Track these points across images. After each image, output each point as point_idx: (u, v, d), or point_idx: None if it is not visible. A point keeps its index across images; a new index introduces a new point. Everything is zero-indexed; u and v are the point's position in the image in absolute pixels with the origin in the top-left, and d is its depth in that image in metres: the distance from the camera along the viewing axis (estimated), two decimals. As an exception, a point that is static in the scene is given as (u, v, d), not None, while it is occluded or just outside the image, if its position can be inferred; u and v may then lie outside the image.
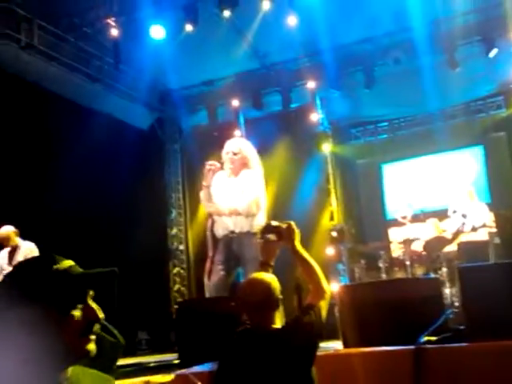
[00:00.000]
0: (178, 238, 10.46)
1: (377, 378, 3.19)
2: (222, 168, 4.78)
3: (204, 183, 4.72)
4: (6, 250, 5.98)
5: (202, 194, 4.76)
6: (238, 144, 4.88)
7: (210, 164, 4.69)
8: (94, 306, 1.29)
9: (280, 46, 8.54)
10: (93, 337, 1.28)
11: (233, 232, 4.61)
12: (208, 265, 4.68)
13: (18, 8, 7.07)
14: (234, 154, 4.72)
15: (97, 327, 1.29)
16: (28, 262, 1.32)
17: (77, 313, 1.24)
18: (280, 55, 9.09)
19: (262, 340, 2.59)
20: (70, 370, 1.28)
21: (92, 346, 1.27)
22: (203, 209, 10.09)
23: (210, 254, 4.69)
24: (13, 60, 7.23)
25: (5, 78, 6.96)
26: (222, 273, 4.57)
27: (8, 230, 5.95)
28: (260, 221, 4.45)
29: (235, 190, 4.66)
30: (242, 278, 4.56)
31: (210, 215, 4.89)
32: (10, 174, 6.76)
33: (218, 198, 4.71)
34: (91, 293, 1.29)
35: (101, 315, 1.30)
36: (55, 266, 1.25)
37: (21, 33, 7.17)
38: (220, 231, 4.69)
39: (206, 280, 4.65)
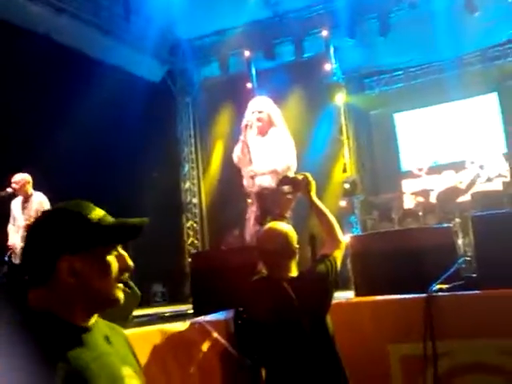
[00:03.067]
0: (191, 192, 10.51)
1: (389, 326, 3.24)
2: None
3: (241, 137, 4.74)
4: (20, 199, 6.03)
5: (238, 149, 4.79)
6: (262, 102, 4.87)
7: (248, 120, 4.71)
8: (124, 254, 1.34)
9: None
10: (120, 285, 1.33)
11: (266, 189, 4.70)
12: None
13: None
14: (260, 112, 4.71)
15: (126, 275, 1.34)
16: (61, 213, 1.33)
17: (111, 259, 1.31)
18: (292, 3, 8.87)
19: (278, 287, 2.64)
20: (95, 317, 1.34)
21: (121, 294, 1.33)
22: (215, 163, 10.19)
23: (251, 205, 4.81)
24: (22, 13, 7.12)
25: (14, 31, 6.88)
26: (257, 227, 4.63)
27: (22, 178, 5.98)
28: None
29: (268, 149, 4.71)
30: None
31: (240, 169, 4.95)
32: (21, 126, 6.78)
33: (253, 156, 4.74)
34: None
35: (130, 263, 1.35)
36: (89, 216, 1.30)
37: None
38: (252, 187, 4.78)
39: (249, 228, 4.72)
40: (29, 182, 5.99)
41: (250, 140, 4.71)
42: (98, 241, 1.29)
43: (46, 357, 1.16)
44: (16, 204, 6.04)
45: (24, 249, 1.31)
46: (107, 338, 1.33)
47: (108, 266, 1.30)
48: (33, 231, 1.32)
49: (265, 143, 4.69)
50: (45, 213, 1.35)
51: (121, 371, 1.29)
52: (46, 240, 1.28)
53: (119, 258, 1.33)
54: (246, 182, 4.79)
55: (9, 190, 5.90)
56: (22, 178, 5.96)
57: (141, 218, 1.35)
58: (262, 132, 4.71)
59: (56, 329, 1.24)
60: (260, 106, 4.75)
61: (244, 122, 4.67)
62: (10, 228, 6.00)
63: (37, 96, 6.97)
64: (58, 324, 1.25)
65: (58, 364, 1.16)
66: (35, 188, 6.07)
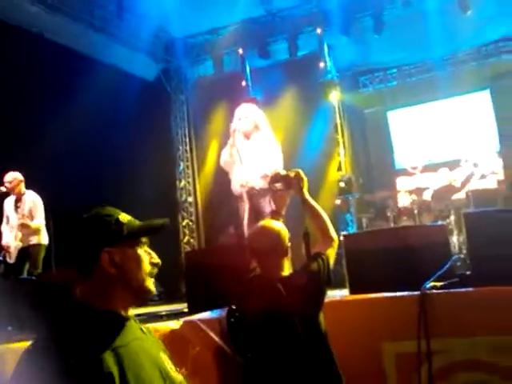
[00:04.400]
0: (186, 191, 10.50)
1: (383, 324, 3.24)
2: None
3: (230, 141, 4.89)
4: (12, 198, 6.00)
5: (226, 153, 4.94)
6: (247, 109, 5.07)
7: (235, 126, 4.89)
8: (151, 252, 1.55)
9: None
10: (152, 278, 1.52)
11: (256, 189, 4.81)
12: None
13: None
14: (246, 117, 4.93)
15: (155, 270, 1.54)
16: (95, 215, 1.51)
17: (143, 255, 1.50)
18: (286, 1, 8.85)
19: (271, 286, 2.63)
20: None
21: (153, 286, 1.52)
22: (211, 162, 10.18)
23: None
24: (17, 11, 7.09)
25: (9, 29, 6.86)
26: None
27: (15, 177, 5.94)
28: None
29: (254, 153, 4.86)
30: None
31: (227, 172, 5.07)
32: (15, 124, 6.75)
33: (242, 160, 4.87)
34: (147, 242, 1.55)
35: (158, 260, 1.55)
36: (119, 217, 1.50)
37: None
38: (238, 187, 4.90)
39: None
40: (22, 181, 5.96)
41: (238, 144, 4.87)
42: (129, 236, 1.48)
43: (95, 347, 1.30)
44: (9, 203, 6.01)
45: (67, 247, 1.51)
46: (142, 330, 1.50)
47: (141, 258, 1.50)
48: (73, 231, 1.51)
49: (251, 147, 4.88)
50: (80, 216, 1.52)
51: (159, 355, 1.46)
52: (87, 236, 1.47)
53: (148, 254, 1.53)
54: (233, 185, 4.92)
55: (2, 189, 5.87)
56: (14, 177, 5.93)
57: (163, 219, 1.58)
58: (247, 136, 4.90)
59: (101, 318, 1.39)
60: (245, 112, 4.93)
61: (232, 128, 4.83)
62: (4, 228, 5.98)
63: (31, 95, 6.94)
64: (102, 314, 1.40)
65: (105, 352, 1.29)
66: (29, 187, 6.04)
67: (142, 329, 1.51)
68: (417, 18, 8.15)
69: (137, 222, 1.54)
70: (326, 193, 8.86)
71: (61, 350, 1.29)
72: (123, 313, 1.46)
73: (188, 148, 10.60)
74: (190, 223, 10.39)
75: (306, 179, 2.93)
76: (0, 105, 6.57)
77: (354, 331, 3.25)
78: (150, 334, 1.57)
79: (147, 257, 1.52)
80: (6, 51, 6.53)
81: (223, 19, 9.09)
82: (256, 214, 4.73)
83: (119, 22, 8.26)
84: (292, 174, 2.94)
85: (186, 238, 10.27)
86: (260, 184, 4.75)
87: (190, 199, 10.49)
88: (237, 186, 4.91)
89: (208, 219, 10.28)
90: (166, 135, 10.41)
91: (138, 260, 1.49)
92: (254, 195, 4.81)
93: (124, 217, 1.52)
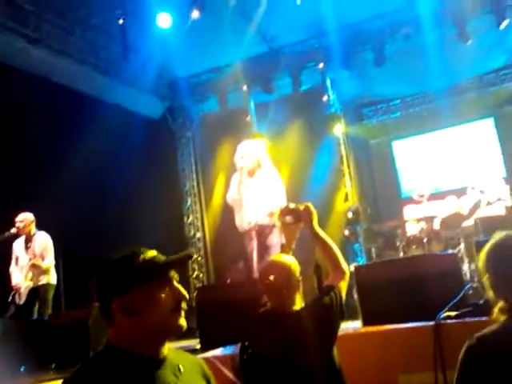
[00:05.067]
0: (194, 226, 10.51)
1: (398, 356, 3.20)
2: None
3: (237, 179, 4.99)
4: (22, 239, 6.06)
5: (234, 190, 5.00)
6: (249, 146, 5.10)
7: (239, 164, 4.96)
8: (179, 286, 1.50)
9: (287, 29, 8.47)
10: (183, 313, 1.49)
11: (260, 226, 4.84)
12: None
13: (25, 3, 7.09)
14: (248, 155, 4.98)
15: (184, 305, 1.49)
16: (119, 257, 1.50)
17: (164, 293, 1.45)
18: (288, 38, 9.01)
19: (283, 321, 2.61)
20: (167, 348, 1.49)
21: (183, 321, 1.49)
22: (218, 196, 10.21)
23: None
24: (22, 56, 7.27)
25: (14, 73, 7.01)
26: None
27: (26, 217, 6.00)
28: None
29: (258, 191, 4.93)
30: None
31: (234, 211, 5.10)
32: (22, 166, 6.85)
33: (246, 198, 4.90)
34: (175, 276, 1.51)
35: (186, 295, 1.50)
36: (141, 257, 1.48)
37: (29, 27, 7.20)
38: (245, 225, 4.92)
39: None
40: (32, 222, 6.03)
41: (240, 184, 4.91)
42: (146, 278, 1.44)
43: None
44: (18, 244, 6.06)
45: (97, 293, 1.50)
46: (178, 369, 1.47)
47: (160, 299, 1.44)
48: (97, 280, 1.50)
49: (255, 184, 4.90)
50: (106, 261, 1.52)
51: None
52: (102, 286, 1.48)
53: (173, 289, 1.48)
54: (240, 223, 4.92)
55: (13, 230, 5.92)
56: (25, 217, 6.00)
57: (184, 252, 1.55)
58: (251, 174, 4.93)
59: (125, 363, 1.39)
60: (248, 149, 4.97)
61: (239, 165, 4.87)
62: (13, 269, 6.00)
63: (38, 136, 7.05)
64: (127, 358, 1.40)
65: None
66: (38, 225, 6.10)
67: (178, 367, 1.48)
68: (417, 50, 8.26)
69: (162, 258, 1.51)
70: (334, 224, 8.85)
71: None
72: (155, 355, 1.45)
73: (195, 183, 10.66)
74: (199, 258, 10.36)
75: (315, 212, 2.94)
76: (7, 147, 6.69)
77: (368, 364, 3.20)
78: (191, 362, 1.56)
79: (169, 295, 1.47)
80: (12, 95, 6.66)
81: (226, 57, 9.25)
82: (265, 250, 4.74)
83: (123, 63, 8.42)
84: (301, 208, 2.96)
85: (196, 273, 10.23)
86: (266, 221, 4.77)
87: (199, 234, 10.49)
88: (244, 223, 4.93)
89: (217, 254, 10.25)
90: (172, 172, 10.49)
91: (157, 301, 1.45)
92: (261, 232, 4.83)
93: (142, 257, 1.49)
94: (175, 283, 1.50)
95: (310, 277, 3.07)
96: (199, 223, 10.55)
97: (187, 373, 1.50)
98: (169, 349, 1.50)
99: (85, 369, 1.40)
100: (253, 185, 4.93)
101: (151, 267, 1.46)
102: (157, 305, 1.44)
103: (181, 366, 1.49)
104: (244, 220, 4.93)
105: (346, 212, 9.00)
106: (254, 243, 4.87)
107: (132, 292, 1.43)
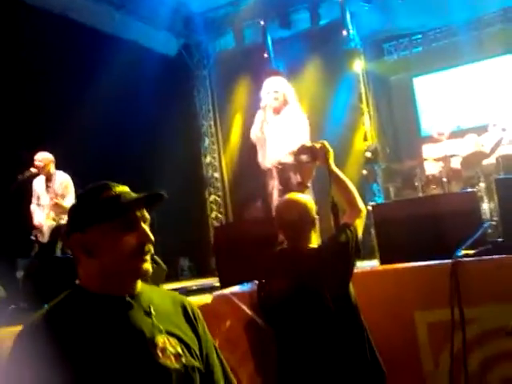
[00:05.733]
0: (212, 166, 10.53)
1: (415, 294, 3.22)
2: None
3: (261, 117, 4.86)
4: (42, 178, 6.07)
5: (257, 128, 4.92)
6: (276, 83, 5.00)
7: (265, 101, 4.83)
8: (145, 228, 1.39)
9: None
10: (147, 257, 1.39)
11: (284, 163, 4.83)
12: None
13: None
14: (275, 92, 4.86)
15: (149, 248, 1.39)
16: (85, 192, 1.44)
17: (126, 235, 1.36)
18: (306, -31, 8.66)
19: (299, 259, 2.63)
20: (140, 285, 1.42)
21: (148, 266, 1.38)
22: (235, 136, 10.16)
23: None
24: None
25: (31, 11, 6.89)
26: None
27: (45, 157, 6.00)
28: None
29: (283, 129, 4.83)
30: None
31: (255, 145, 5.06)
32: (39, 104, 6.81)
33: (269, 137, 4.85)
34: (144, 216, 1.39)
35: (151, 237, 1.39)
36: (106, 193, 1.37)
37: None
38: (267, 163, 4.90)
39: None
40: (52, 161, 6.03)
41: (268, 119, 4.84)
42: (106, 216, 1.35)
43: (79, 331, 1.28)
44: (39, 183, 6.08)
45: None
46: (149, 308, 1.39)
47: (119, 239, 1.35)
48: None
49: (280, 122, 4.83)
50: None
51: (155, 338, 1.35)
52: (68, 221, 1.42)
53: (139, 231, 1.37)
54: (262, 161, 4.90)
55: (32, 170, 5.94)
56: (45, 157, 5.99)
57: (155, 191, 1.41)
58: (277, 111, 4.85)
59: (90, 303, 1.34)
60: (275, 86, 4.88)
61: (263, 102, 4.77)
62: (34, 208, 6.07)
63: (54, 74, 6.97)
64: (92, 298, 1.35)
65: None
66: (57, 166, 6.12)
67: (149, 307, 1.40)
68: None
69: (132, 195, 1.40)
70: (352, 163, 8.78)
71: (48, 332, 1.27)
72: (121, 293, 1.37)
73: (212, 123, 10.59)
74: (218, 198, 10.44)
75: (331, 150, 2.90)
76: (25, 86, 6.65)
77: (384, 301, 3.23)
78: (171, 303, 1.48)
79: (132, 237, 1.36)
80: (30, 33, 6.58)
81: (243, -10, 8.97)
82: (285, 189, 4.74)
83: (139, -2, 8.26)
84: (317, 146, 2.92)
85: (214, 213, 10.33)
86: (289, 160, 4.74)
87: (217, 174, 10.52)
88: (267, 162, 4.90)
89: (235, 194, 10.30)
90: (189, 112, 10.41)
91: (113, 241, 1.34)
92: (283, 171, 4.81)
93: (117, 190, 1.39)
94: (142, 224, 1.38)
95: (326, 216, 3.06)
96: (217, 163, 10.56)
97: (162, 313, 1.42)
98: (144, 288, 1.43)
99: (49, 312, 1.35)
100: (277, 122, 4.85)
101: (114, 205, 1.35)
102: (115, 245, 1.34)
103: (152, 306, 1.40)
104: (266, 158, 4.90)
105: (364, 151, 8.90)
106: (275, 182, 4.86)
107: (90, 230, 1.34)
